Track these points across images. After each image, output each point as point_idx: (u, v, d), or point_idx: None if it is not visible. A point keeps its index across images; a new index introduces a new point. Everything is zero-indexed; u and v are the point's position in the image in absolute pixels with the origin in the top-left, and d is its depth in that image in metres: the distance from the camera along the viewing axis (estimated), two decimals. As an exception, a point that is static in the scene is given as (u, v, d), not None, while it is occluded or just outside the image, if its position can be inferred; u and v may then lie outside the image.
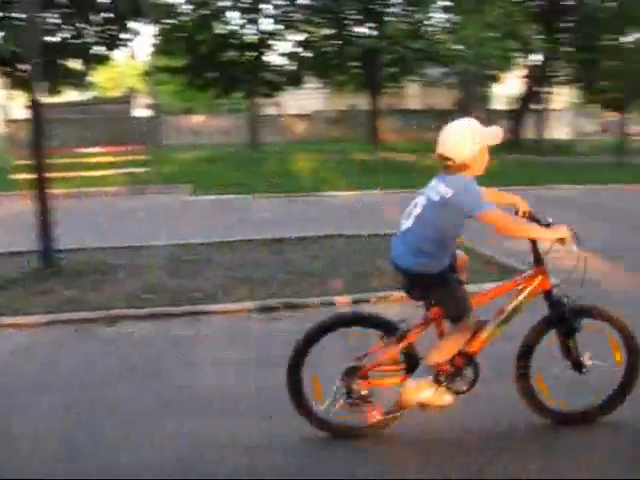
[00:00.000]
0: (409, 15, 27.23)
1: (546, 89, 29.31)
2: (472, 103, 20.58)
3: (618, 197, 13.97)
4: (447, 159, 3.06)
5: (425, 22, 27.46)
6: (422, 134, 29.69)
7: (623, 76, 21.79)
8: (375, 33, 26.93)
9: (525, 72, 28.80)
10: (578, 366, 3.35)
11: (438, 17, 27.71)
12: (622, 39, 23.71)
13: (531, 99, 28.89)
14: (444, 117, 29.51)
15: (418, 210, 3.14)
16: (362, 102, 30.75)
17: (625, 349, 3.40)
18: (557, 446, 3.29)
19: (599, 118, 38.80)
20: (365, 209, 12.00)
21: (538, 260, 3.29)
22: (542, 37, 26.20)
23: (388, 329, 3.28)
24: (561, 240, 3.05)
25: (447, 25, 26.68)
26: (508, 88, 30.69)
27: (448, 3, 25.34)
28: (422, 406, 3.26)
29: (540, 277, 3.28)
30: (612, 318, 3.37)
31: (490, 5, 18.84)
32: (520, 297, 3.27)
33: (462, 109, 21.34)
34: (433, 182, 3.15)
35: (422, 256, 3.11)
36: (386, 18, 27.07)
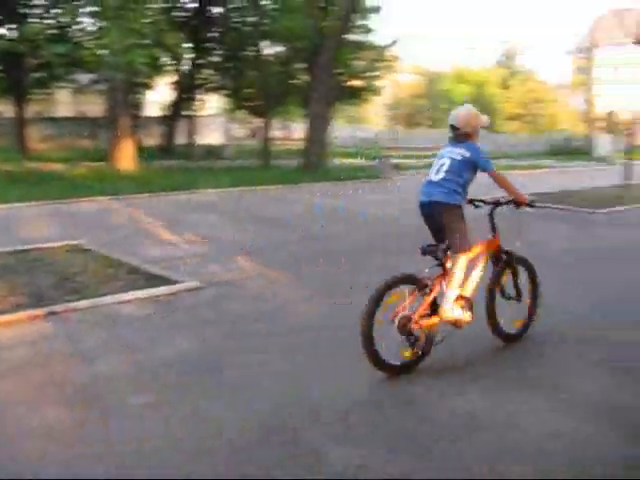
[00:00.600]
0: (54, 17, 25.81)
1: (196, 96, 30.58)
2: (121, 110, 20.43)
3: (260, 198, 15.38)
4: (457, 129, 4.78)
5: (73, 26, 26.32)
6: (74, 142, 28.54)
7: (263, 85, 23.93)
8: (15, 34, 24.97)
9: (175, 79, 29.63)
10: (519, 297, 5.14)
11: (86, 21, 26.78)
12: (263, 51, 25.94)
13: (182, 106, 29.87)
14: (97, 124, 28.56)
15: (446, 167, 4.69)
16: (7, 109, 28.29)
17: (531, 284, 5.30)
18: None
19: (248, 123, 41.66)
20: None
21: (494, 229, 5.04)
22: (189, 46, 27.29)
23: (420, 285, 4.54)
24: (522, 204, 5.01)
25: (94, 30, 25.97)
26: (160, 95, 31.16)
27: (95, 8, 24.67)
28: (455, 323, 4.69)
29: (497, 239, 5.00)
30: (527, 262, 5.25)
31: (134, 13, 18.92)
32: (489, 252, 4.97)
33: (111, 116, 21.04)
34: (448, 148, 4.83)
35: (455, 194, 4.63)
36: (30, 20, 25.27)
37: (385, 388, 4.31)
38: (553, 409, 3.95)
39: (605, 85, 48.41)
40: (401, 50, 42.59)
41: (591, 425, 3.73)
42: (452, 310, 4.61)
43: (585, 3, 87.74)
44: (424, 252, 4.65)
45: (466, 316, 4.72)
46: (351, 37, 27.74)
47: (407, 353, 4.49)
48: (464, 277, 4.69)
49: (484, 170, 4.71)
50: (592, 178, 22.20)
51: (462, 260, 4.61)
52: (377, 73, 33.09)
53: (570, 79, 54.97)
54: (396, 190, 17.22)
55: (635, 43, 17.76)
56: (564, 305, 6.19)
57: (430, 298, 4.55)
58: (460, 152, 4.70)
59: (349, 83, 31.15)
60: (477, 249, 4.85)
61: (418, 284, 4.54)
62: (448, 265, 4.66)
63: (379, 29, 34.11)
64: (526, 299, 5.26)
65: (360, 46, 30.36)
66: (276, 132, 31.07)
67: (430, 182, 4.76)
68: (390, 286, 4.39)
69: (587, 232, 11.00)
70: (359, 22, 29.76)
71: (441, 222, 4.66)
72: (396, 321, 4.37)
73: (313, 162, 21.96)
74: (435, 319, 4.59)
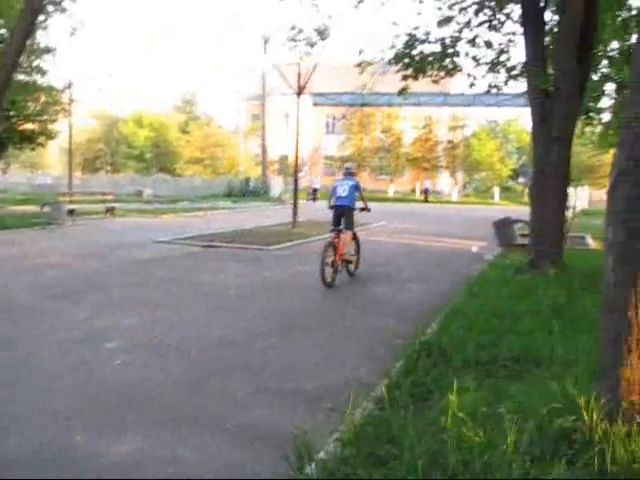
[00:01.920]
0: None
1: None
2: None
3: None
4: (351, 171, 10.86)
5: None
6: None
7: None
8: None
9: None
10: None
11: None
12: None
13: None
14: None
15: (346, 188, 10.13)
16: None
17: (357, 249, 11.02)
18: None
19: None
20: None
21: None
22: None
23: (334, 245, 9.92)
24: (368, 210, 10.92)
25: None
26: None
27: None
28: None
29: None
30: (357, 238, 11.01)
31: None
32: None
33: None
34: (345, 180, 10.46)
35: (352, 202, 10.14)
36: None
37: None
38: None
39: (277, 131, 53.22)
40: (79, 93, 41.38)
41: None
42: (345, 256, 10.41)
43: (254, 56, 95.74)
44: (333, 228, 10.22)
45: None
46: (23, 78, 26.45)
47: (333, 275, 9.91)
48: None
49: (358, 191, 10.40)
50: (267, 217, 24.35)
51: (349, 235, 10.32)
52: (53, 116, 31.88)
53: (245, 124, 59.17)
54: (67, 237, 16.75)
55: (296, 94, 20.08)
56: (218, 333, 6.95)
57: (338, 249, 9.99)
58: (352, 182, 10.45)
59: (21, 127, 29.53)
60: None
61: (333, 245, 9.96)
62: (342, 235, 10.13)
63: (55, 70, 32.82)
64: (355, 256, 10.99)
65: (33, 88, 29.02)
66: None
67: (339, 197, 10.22)
68: (328, 245, 9.92)
69: (257, 268, 12.14)
70: (34, 63, 28.51)
71: (342, 215, 10.21)
72: (329, 261, 9.82)
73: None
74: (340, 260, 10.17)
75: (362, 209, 10.64)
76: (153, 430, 4.39)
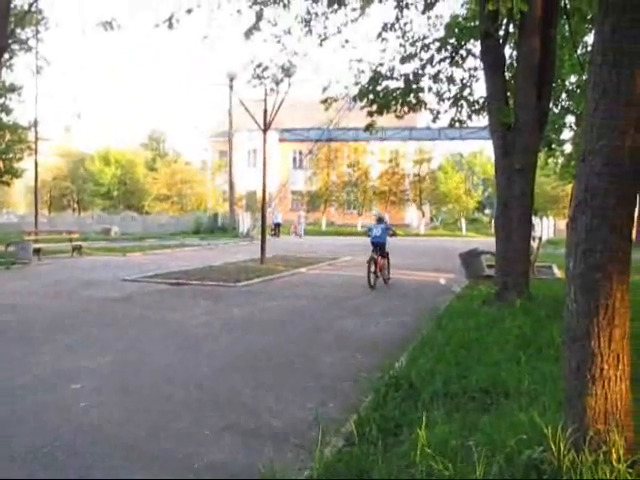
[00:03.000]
0: None
1: None
2: None
3: None
4: (382, 219, 16.06)
5: None
6: None
7: None
8: None
9: None
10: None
11: None
12: None
13: None
14: None
15: (380, 230, 14.88)
16: None
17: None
18: None
19: None
20: None
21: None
22: None
23: (375, 261, 14.64)
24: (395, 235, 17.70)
25: None
26: None
27: None
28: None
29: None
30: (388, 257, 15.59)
31: None
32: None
33: None
34: (376, 225, 15.32)
35: (384, 239, 14.82)
36: None
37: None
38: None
39: (244, 167, 53.41)
40: (46, 130, 41.12)
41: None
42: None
43: (220, 93, 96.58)
44: (374, 251, 14.56)
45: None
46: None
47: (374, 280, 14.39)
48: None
49: (387, 230, 15.08)
50: (235, 253, 24.26)
51: (384, 257, 14.88)
52: (18, 154, 31.62)
53: (212, 161, 59.29)
54: (33, 276, 16.47)
55: (263, 130, 20.22)
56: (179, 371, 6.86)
57: (378, 264, 14.53)
58: (383, 225, 15.15)
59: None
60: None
61: (375, 260, 14.46)
62: (380, 259, 14.62)
63: (21, 109, 32.62)
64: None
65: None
66: None
67: (375, 236, 14.74)
68: (371, 260, 14.47)
69: (225, 305, 12.03)
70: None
71: (379, 246, 14.62)
72: (372, 270, 14.43)
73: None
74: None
75: (391, 235, 15.58)
76: (118, 472, 4.28)
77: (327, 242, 35.41)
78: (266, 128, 20.17)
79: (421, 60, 13.21)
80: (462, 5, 14.17)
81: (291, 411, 5.59)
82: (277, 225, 41.75)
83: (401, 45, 13.37)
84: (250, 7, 12.86)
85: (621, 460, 3.54)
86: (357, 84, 13.49)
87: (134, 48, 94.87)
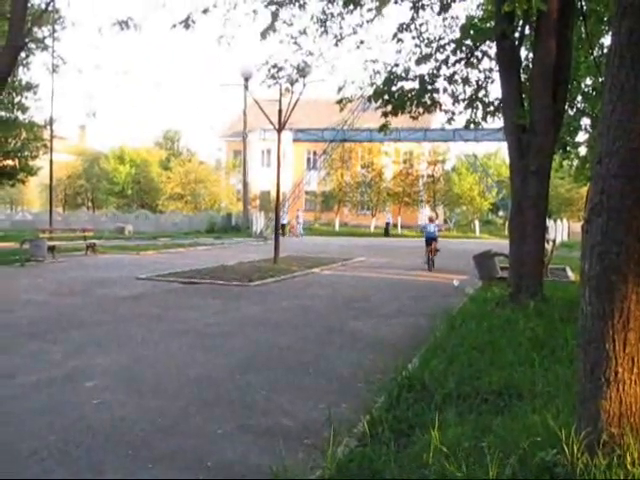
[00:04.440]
0: None
1: None
2: None
3: None
4: (432, 220, 22.52)
5: None
6: None
7: None
8: None
9: None
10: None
11: None
12: None
13: None
14: None
15: (432, 228, 20.82)
16: None
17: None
18: None
19: None
20: None
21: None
22: None
23: (431, 249, 20.29)
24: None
25: None
26: None
27: None
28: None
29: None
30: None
31: None
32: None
33: None
34: (428, 224, 21.41)
35: (435, 235, 20.63)
36: None
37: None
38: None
39: (258, 167, 53.54)
40: (61, 129, 41.43)
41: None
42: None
43: (235, 92, 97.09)
44: (427, 244, 20.31)
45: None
46: (3, 114, 26.53)
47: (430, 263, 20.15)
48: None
49: (437, 228, 21.79)
50: (249, 253, 24.33)
51: (435, 247, 20.22)
52: (33, 153, 31.84)
53: (227, 160, 59.43)
54: (47, 274, 16.54)
55: (277, 130, 20.24)
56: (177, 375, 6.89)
57: (432, 249, 20.09)
58: (434, 225, 21.43)
59: (1, 163, 29.48)
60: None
61: (430, 249, 20.12)
62: (433, 247, 20.15)
63: (36, 107, 32.92)
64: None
65: (14, 124, 29.02)
66: None
67: (429, 232, 20.49)
68: (427, 248, 20.20)
69: (238, 304, 12.07)
70: (15, 99, 28.58)
71: (432, 239, 20.21)
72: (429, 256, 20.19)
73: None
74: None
75: (439, 231, 22.31)
76: (130, 470, 4.31)
77: (338, 242, 35.35)
78: (280, 128, 20.20)
79: (436, 61, 13.16)
80: (478, 6, 14.10)
81: (304, 411, 5.60)
82: (282, 226, 41.79)
83: (416, 46, 13.34)
84: (266, 7, 12.90)
85: (635, 464, 3.52)
86: (372, 85, 13.46)
87: (150, 47, 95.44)
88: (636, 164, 3.73)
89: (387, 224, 48.34)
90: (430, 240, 20.24)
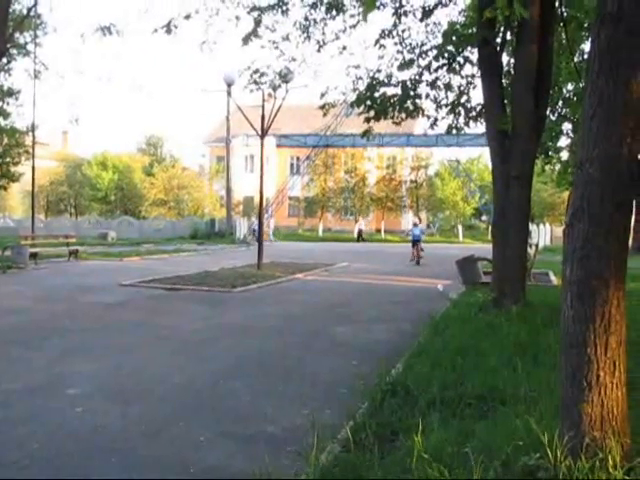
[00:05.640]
0: None
1: None
2: None
3: None
4: (416, 224, 26.33)
5: None
6: None
7: None
8: None
9: None
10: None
11: None
12: None
13: None
14: None
15: (417, 231, 24.98)
16: None
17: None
18: None
19: None
20: None
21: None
22: None
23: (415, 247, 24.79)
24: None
25: None
26: None
27: None
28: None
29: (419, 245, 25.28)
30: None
31: None
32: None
33: None
34: (414, 227, 25.62)
35: (419, 237, 25.10)
36: None
37: None
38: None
39: (241, 172, 53.45)
40: (43, 135, 41.03)
41: None
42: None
43: (218, 98, 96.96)
44: (413, 245, 24.76)
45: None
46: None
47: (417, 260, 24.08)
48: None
49: (422, 233, 26.51)
50: (232, 259, 24.23)
51: (419, 247, 24.57)
52: (15, 159, 31.56)
53: (210, 166, 59.25)
54: (29, 281, 16.40)
55: (260, 136, 20.22)
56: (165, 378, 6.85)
57: (418, 250, 24.39)
58: (419, 229, 25.48)
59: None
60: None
61: (417, 248, 24.48)
62: (418, 247, 24.48)
63: (18, 113, 32.58)
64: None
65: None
66: None
67: (415, 234, 24.74)
68: (413, 248, 24.77)
69: (222, 310, 12.01)
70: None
71: (417, 241, 24.58)
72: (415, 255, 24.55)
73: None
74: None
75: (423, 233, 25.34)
76: (111, 475, 4.27)
77: (321, 247, 35.33)
78: (263, 134, 20.18)
79: (419, 67, 13.24)
80: (460, 13, 14.20)
81: (288, 417, 5.57)
82: (254, 231, 41.66)
83: (399, 52, 13.42)
84: (248, 13, 12.91)
85: (617, 467, 3.55)
86: (355, 90, 13.52)
87: (132, 53, 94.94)
88: (616, 170, 3.77)
89: (360, 230, 48.05)
90: (415, 242, 24.68)
